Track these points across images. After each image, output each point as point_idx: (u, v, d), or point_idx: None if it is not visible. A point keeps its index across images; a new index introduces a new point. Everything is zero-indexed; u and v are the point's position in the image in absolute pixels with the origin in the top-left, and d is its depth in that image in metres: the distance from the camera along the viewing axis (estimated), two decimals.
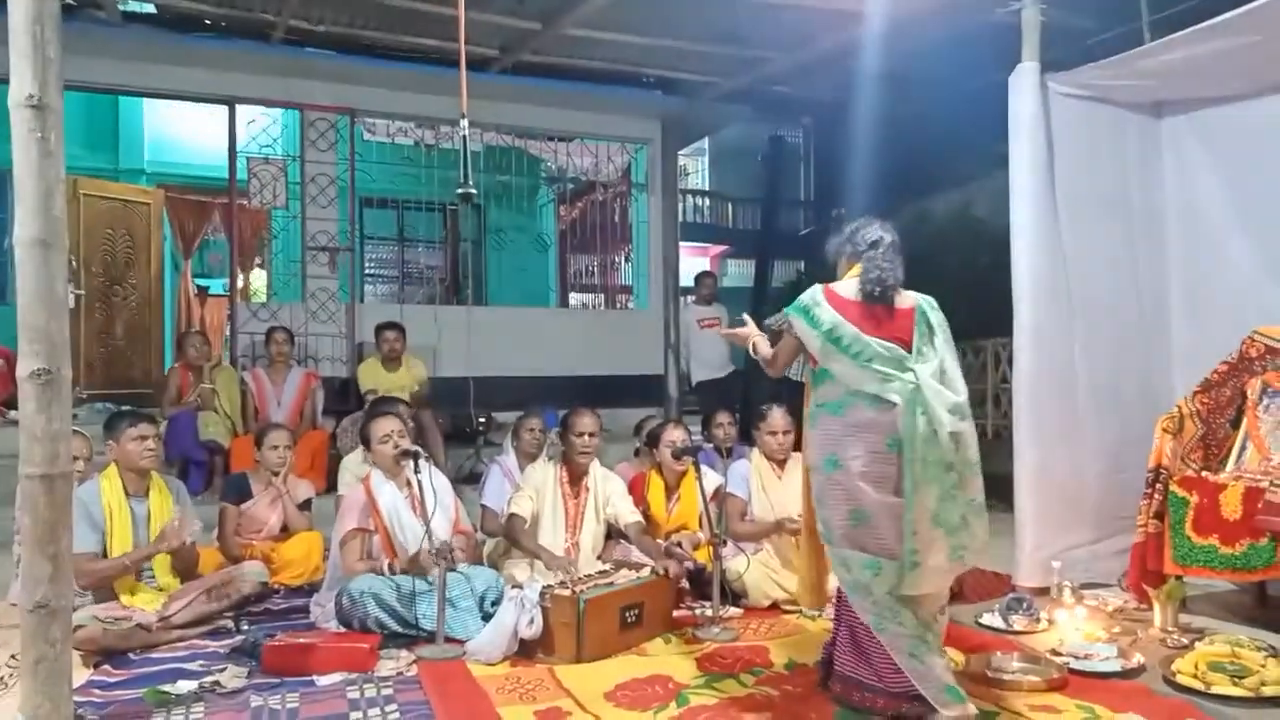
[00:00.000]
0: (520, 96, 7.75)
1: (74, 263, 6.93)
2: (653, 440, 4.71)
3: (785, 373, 3.21)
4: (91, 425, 5.13)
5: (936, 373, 2.84)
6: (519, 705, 2.98)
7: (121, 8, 6.40)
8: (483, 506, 4.80)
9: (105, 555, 3.71)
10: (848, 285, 2.98)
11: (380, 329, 6.67)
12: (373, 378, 6.52)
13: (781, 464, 4.45)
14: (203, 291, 10.31)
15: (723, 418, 5.29)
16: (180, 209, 9.76)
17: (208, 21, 6.66)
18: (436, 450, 5.92)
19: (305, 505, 4.92)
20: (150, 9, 6.61)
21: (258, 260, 9.90)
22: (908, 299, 2.97)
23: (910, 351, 2.86)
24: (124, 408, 6.11)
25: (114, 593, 3.73)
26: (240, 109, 7.35)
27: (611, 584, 3.65)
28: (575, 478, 4.33)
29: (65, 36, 2.59)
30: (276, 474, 4.81)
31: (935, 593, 2.87)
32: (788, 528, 4.16)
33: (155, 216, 8.26)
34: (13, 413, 5.92)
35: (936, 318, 2.95)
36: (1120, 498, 4.35)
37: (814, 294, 2.96)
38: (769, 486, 4.40)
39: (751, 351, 3.23)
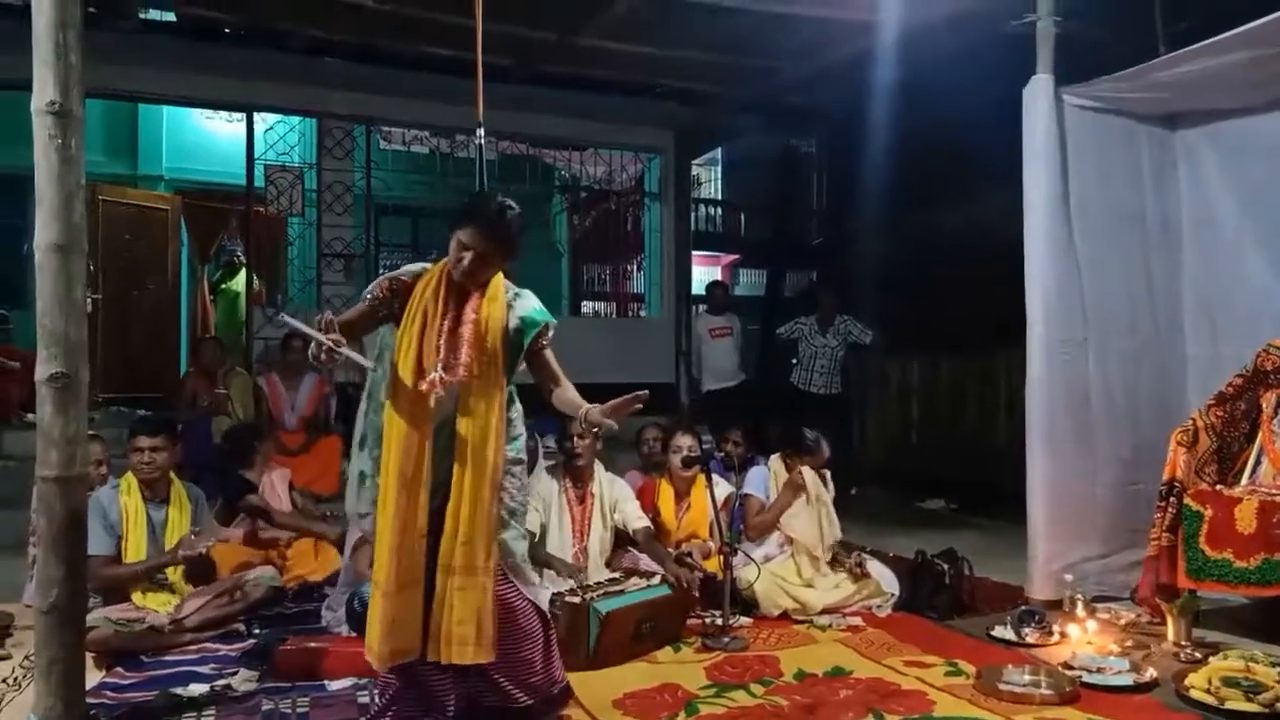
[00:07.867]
0: (535, 106, 7.77)
1: (92, 268, 7.03)
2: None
3: None
4: (108, 429, 5.17)
5: None
6: None
7: (142, 16, 6.47)
8: None
9: (119, 560, 3.74)
10: None
11: None
12: None
13: None
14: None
15: (734, 435, 5.24)
16: (198, 215, 9.81)
17: (227, 31, 6.73)
18: None
19: (310, 498, 5.01)
20: (171, 18, 6.69)
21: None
22: None
23: None
24: (142, 412, 6.17)
25: (126, 594, 3.76)
26: (258, 117, 7.44)
27: (622, 592, 3.65)
28: (580, 484, 4.33)
29: (87, 44, 2.63)
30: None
31: None
32: (795, 481, 4.27)
33: (173, 223, 8.33)
34: (30, 415, 5.98)
35: None
36: (1133, 511, 4.33)
37: None
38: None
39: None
